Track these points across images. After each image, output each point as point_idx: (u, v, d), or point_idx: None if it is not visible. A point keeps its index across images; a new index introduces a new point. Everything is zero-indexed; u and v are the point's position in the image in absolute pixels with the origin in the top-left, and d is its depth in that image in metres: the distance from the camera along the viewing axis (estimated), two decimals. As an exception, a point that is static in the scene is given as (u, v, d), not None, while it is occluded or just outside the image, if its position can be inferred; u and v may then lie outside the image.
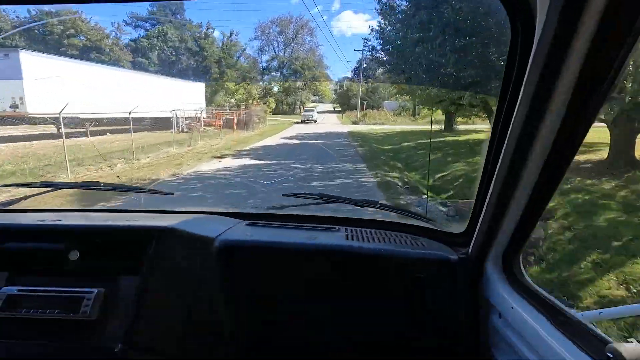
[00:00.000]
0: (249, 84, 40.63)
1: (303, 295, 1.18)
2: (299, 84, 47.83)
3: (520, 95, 0.73)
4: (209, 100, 34.51)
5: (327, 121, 34.10)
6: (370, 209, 1.46)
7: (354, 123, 30.73)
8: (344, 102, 47.10)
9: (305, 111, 33.70)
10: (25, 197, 1.55)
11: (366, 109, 37.03)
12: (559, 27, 0.59)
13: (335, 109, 49.91)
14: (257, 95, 40.45)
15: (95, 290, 1.00)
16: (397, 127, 24.57)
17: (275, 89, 47.78)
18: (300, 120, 29.84)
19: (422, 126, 24.18)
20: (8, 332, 1.01)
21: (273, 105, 42.00)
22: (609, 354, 0.60)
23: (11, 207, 1.51)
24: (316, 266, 1.18)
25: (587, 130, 0.67)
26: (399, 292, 1.15)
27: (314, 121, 29.72)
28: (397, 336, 1.16)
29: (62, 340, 0.95)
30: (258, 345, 1.21)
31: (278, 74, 49.45)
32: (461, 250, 1.18)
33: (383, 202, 1.48)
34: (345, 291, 1.17)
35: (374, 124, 28.69)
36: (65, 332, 0.96)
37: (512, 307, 0.92)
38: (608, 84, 0.60)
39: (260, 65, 49.18)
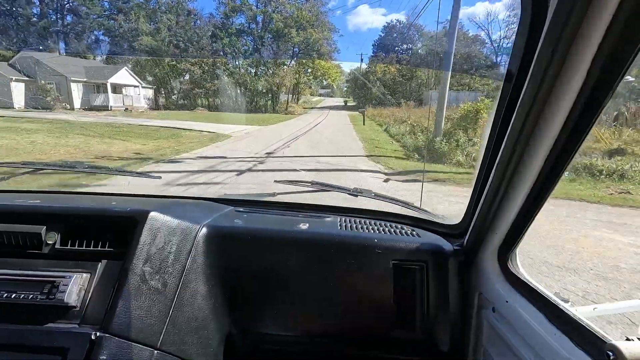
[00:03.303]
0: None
1: (293, 284, 1.15)
2: (283, 55, 26.13)
3: (524, 88, 0.70)
4: None
5: (318, 135, 13.49)
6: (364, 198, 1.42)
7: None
8: (362, 94, 28.49)
9: None
10: (7, 178, 1.49)
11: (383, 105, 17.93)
12: (572, 10, 0.56)
13: (347, 104, 31.51)
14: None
15: (74, 275, 0.96)
16: None
17: (240, 65, 25.79)
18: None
19: None
20: None
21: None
22: (609, 352, 0.58)
23: None
24: (307, 254, 1.15)
25: (591, 127, 0.64)
26: (392, 283, 1.12)
27: None
28: (389, 327, 1.14)
29: (36, 326, 0.91)
30: (244, 333, 1.18)
31: (249, 39, 26.78)
32: (456, 242, 1.15)
33: (377, 192, 1.45)
34: (335, 280, 1.14)
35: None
36: (41, 317, 0.92)
37: (507, 302, 0.90)
38: (615, 78, 0.57)
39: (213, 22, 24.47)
